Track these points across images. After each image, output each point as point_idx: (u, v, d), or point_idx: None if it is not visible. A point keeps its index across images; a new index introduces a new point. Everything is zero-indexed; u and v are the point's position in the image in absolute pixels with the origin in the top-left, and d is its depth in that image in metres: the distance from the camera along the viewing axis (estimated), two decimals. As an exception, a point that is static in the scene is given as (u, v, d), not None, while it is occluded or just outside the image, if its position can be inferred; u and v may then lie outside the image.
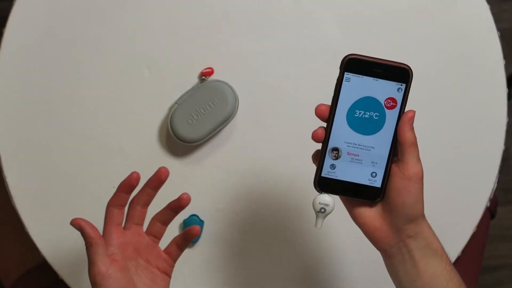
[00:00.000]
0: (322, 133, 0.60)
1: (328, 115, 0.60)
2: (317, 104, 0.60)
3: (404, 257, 0.61)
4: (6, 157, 0.80)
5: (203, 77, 0.79)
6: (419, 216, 0.61)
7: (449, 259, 0.63)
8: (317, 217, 0.63)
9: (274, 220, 0.80)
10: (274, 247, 0.81)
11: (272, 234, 0.81)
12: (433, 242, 0.62)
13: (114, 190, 0.80)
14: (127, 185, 0.64)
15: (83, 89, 0.80)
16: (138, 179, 0.64)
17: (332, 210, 0.63)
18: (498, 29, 0.80)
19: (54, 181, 0.80)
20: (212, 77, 0.79)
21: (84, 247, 0.81)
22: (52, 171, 0.80)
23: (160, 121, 0.80)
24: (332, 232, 0.79)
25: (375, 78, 0.60)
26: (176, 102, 0.78)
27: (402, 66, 0.60)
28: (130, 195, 0.65)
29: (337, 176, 0.61)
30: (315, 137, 0.61)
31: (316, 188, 0.62)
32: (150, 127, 0.80)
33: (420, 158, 0.82)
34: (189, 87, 0.79)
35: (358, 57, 0.60)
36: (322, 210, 0.62)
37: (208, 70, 0.79)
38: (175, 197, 0.80)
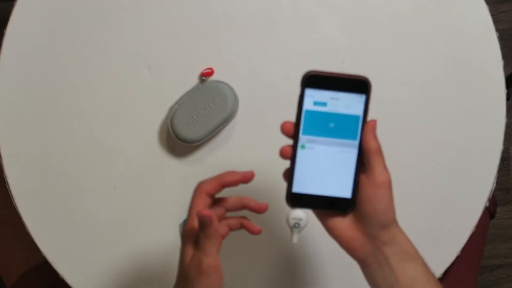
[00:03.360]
0: (289, 151, 0.62)
1: (293, 132, 0.62)
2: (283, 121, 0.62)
3: (381, 264, 0.62)
4: (7, 157, 0.80)
5: (203, 78, 0.79)
6: (392, 222, 0.62)
7: (424, 262, 0.64)
8: (292, 232, 0.64)
9: (275, 220, 0.80)
10: (275, 246, 0.81)
11: (272, 233, 0.81)
12: (408, 247, 0.63)
13: (114, 190, 0.81)
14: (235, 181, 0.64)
15: (84, 90, 0.81)
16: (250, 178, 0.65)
17: (306, 224, 0.63)
18: (496, 30, 0.81)
19: (54, 181, 0.80)
20: (212, 78, 0.80)
21: (84, 247, 0.81)
22: (52, 171, 0.80)
23: (160, 121, 0.80)
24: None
25: (336, 92, 0.61)
26: (176, 103, 0.78)
27: (361, 78, 0.61)
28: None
29: (308, 191, 0.62)
30: (282, 155, 0.62)
31: (288, 204, 0.62)
32: (150, 127, 0.81)
33: (420, 157, 0.82)
34: (189, 87, 0.79)
35: (317, 73, 0.61)
36: (296, 225, 0.63)
37: (208, 70, 0.79)
38: (175, 197, 0.80)
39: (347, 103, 0.61)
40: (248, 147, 0.81)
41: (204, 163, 0.81)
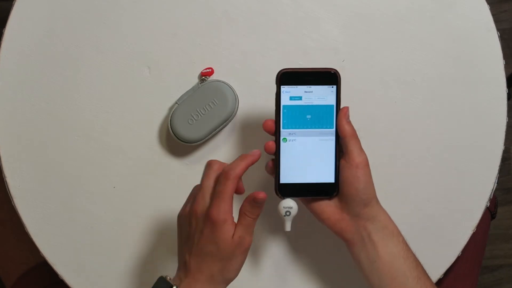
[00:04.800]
0: (272, 145, 0.67)
1: (275, 128, 0.67)
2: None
3: (364, 241, 0.67)
4: (6, 157, 0.80)
5: (203, 77, 0.79)
6: (373, 199, 0.67)
7: (404, 240, 0.68)
8: (284, 221, 0.68)
9: (274, 219, 0.80)
10: (274, 246, 0.81)
11: (271, 232, 0.81)
12: (389, 224, 0.68)
13: (114, 190, 0.80)
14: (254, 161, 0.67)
15: (83, 89, 0.80)
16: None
17: (296, 212, 0.68)
18: (497, 29, 0.81)
19: (54, 181, 0.80)
20: (212, 77, 0.79)
21: (84, 247, 0.81)
22: (52, 171, 0.80)
23: (160, 121, 0.80)
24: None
25: (309, 86, 0.66)
26: (176, 102, 0.78)
27: (330, 70, 0.67)
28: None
29: (294, 180, 0.68)
30: (267, 150, 0.67)
31: (277, 195, 0.68)
32: (150, 127, 0.80)
33: (421, 157, 0.82)
34: (189, 87, 0.79)
35: (290, 70, 0.67)
36: (288, 213, 0.68)
37: (208, 70, 0.79)
38: (175, 197, 0.80)
39: (320, 95, 0.67)
40: (248, 147, 0.81)
41: (204, 163, 0.80)
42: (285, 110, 0.67)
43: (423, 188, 0.80)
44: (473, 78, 0.81)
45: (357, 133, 0.78)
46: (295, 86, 0.67)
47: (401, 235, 0.68)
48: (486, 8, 0.80)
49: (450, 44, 0.80)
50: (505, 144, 0.80)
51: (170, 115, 0.77)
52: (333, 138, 0.67)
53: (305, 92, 0.67)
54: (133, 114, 0.80)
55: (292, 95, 0.67)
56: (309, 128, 0.67)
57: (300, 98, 0.67)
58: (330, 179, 0.68)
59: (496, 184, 0.81)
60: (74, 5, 0.80)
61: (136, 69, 0.80)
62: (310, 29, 0.80)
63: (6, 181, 0.80)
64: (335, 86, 0.67)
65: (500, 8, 1.57)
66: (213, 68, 0.80)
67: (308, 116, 0.67)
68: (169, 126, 0.77)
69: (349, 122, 0.67)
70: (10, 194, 0.80)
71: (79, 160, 0.80)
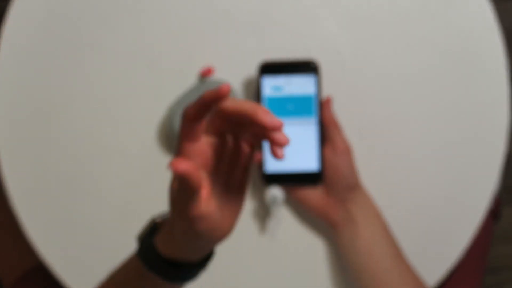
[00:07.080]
0: None
1: None
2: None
3: (347, 221, 0.70)
4: (5, 157, 0.80)
5: (203, 77, 0.79)
6: (357, 184, 0.71)
7: (385, 222, 0.72)
8: (271, 208, 0.72)
9: (273, 219, 0.79)
10: (274, 245, 0.81)
11: (271, 232, 0.81)
12: (371, 207, 0.72)
13: (114, 190, 0.80)
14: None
15: (83, 89, 0.80)
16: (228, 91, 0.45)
17: (282, 199, 0.71)
18: (499, 28, 0.80)
19: (53, 182, 0.80)
20: (212, 77, 0.79)
21: (83, 248, 0.81)
22: (51, 171, 0.80)
23: (160, 121, 0.80)
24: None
25: (289, 77, 0.70)
26: (176, 103, 0.78)
27: (309, 61, 0.71)
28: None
29: (280, 169, 0.71)
30: None
31: (264, 183, 0.71)
32: (150, 127, 0.80)
33: (423, 157, 0.82)
34: (189, 87, 0.79)
35: (271, 61, 0.71)
36: (274, 201, 0.71)
37: (208, 70, 0.79)
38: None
39: (300, 85, 0.70)
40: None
41: (204, 164, 0.80)
42: (267, 101, 0.70)
43: (424, 188, 0.80)
44: (475, 77, 0.80)
45: (358, 133, 0.77)
46: (276, 77, 0.70)
47: (382, 216, 0.72)
48: (488, 6, 0.80)
49: (452, 43, 0.80)
50: (507, 144, 0.80)
51: (170, 115, 0.77)
52: (315, 127, 0.70)
53: (286, 83, 0.70)
54: (133, 114, 0.80)
55: (273, 86, 0.70)
56: (292, 118, 0.70)
57: (281, 88, 0.70)
58: (315, 166, 0.70)
59: (498, 186, 0.81)
60: (73, 4, 0.80)
61: (135, 68, 0.80)
62: (310, 29, 0.80)
63: (5, 181, 0.80)
64: (314, 76, 0.70)
65: (502, 7, 1.57)
66: (213, 68, 0.79)
67: (290, 106, 0.70)
68: (169, 126, 0.77)
69: (332, 112, 0.71)
70: (9, 194, 0.79)
71: (78, 160, 0.80)
